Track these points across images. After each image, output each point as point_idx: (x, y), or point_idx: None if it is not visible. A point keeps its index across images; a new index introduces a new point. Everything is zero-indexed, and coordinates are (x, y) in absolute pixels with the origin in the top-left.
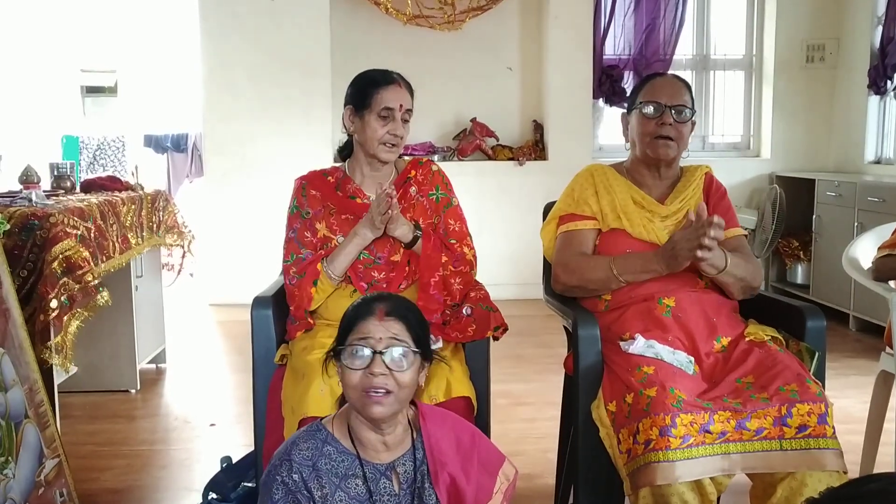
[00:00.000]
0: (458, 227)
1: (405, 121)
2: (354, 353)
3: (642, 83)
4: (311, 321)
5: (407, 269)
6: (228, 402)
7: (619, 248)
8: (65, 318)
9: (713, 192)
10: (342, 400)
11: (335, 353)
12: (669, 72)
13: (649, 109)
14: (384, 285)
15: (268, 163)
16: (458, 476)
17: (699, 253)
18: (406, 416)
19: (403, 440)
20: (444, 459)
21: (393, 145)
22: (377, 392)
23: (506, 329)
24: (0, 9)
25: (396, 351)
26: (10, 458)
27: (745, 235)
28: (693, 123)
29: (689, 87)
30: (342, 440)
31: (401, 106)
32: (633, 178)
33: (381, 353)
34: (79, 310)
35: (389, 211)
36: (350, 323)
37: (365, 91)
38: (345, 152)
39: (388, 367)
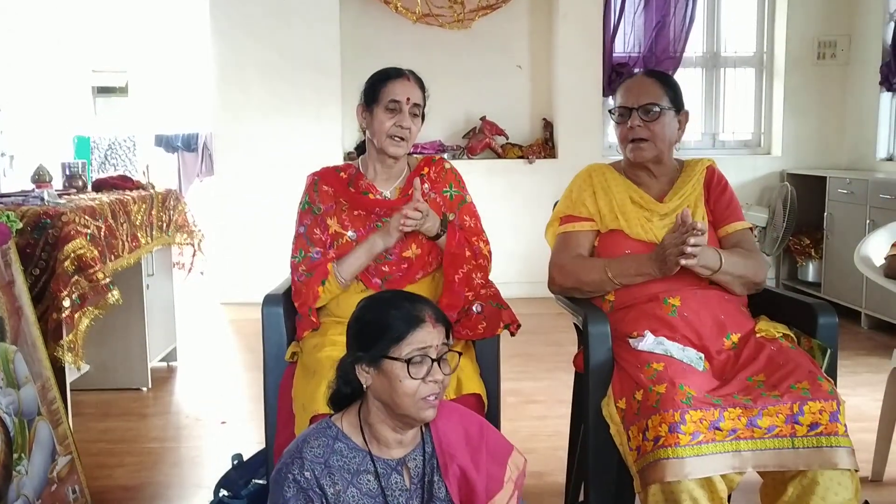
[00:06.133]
0: (472, 223)
1: (414, 115)
2: (418, 364)
3: (616, 88)
4: (316, 320)
5: (427, 258)
6: (239, 399)
7: (617, 248)
8: (76, 316)
9: (714, 185)
10: (335, 398)
11: (374, 359)
12: (642, 69)
13: (616, 116)
14: (399, 275)
15: (278, 161)
16: (468, 468)
17: (682, 261)
18: None
19: (415, 436)
20: (454, 452)
21: (400, 139)
22: (433, 397)
23: (519, 326)
24: (12, 10)
25: (449, 356)
26: (23, 454)
27: (751, 228)
28: (685, 114)
29: (663, 81)
30: (353, 437)
31: (408, 99)
32: (631, 177)
33: (437, 360)
34: (90, 308)
35: (419, 221)
36: (398, 332)
37: (375, 86)
38: (360, 150)
39: (442, 373)
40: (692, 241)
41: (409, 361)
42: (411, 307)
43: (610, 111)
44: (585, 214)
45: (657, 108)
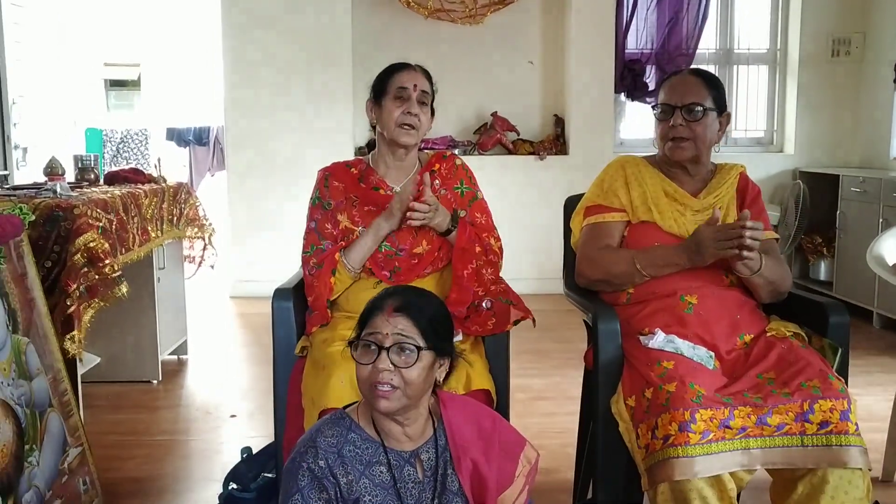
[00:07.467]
0: (484, 220)
1: (422, 103)
2: (364, 349)
3: (661, 83)
4: (329, 315)
5: (437, 254)
6: (249, 393)
7: (648, 240)
8: (81, 307)
9: (748, 192)
10: None
11: (351, 345)
12: (692, 66)
13: (659, 112)
14: (407, 268)
15: (289, 156)
16: (480, 462)
17: (744, 252)
18: (426, 406)
19: (425, 429)
20: (466, 445)
21: (410, 127)
22: (383, 387)
23: (533, 321)
24: (24, 3)
25: (400, 347)
26: (34, 446)
27: (777, 239)
28: (727, 115)
29: (709, 81)
30: (367, 428)
31: (415, 86)
32: (665, 171)
33: (386, 349)
34: (95, 300)
35: (427, 214)
36: (365, 317)
37: (382, 80)
38: (371, 147)
39: (392, 364)
40: (749, 233)
41: (357, 345)
42: (383, 296)
43: (653, 107)
44: (617, 205)
45: (700, 109)
